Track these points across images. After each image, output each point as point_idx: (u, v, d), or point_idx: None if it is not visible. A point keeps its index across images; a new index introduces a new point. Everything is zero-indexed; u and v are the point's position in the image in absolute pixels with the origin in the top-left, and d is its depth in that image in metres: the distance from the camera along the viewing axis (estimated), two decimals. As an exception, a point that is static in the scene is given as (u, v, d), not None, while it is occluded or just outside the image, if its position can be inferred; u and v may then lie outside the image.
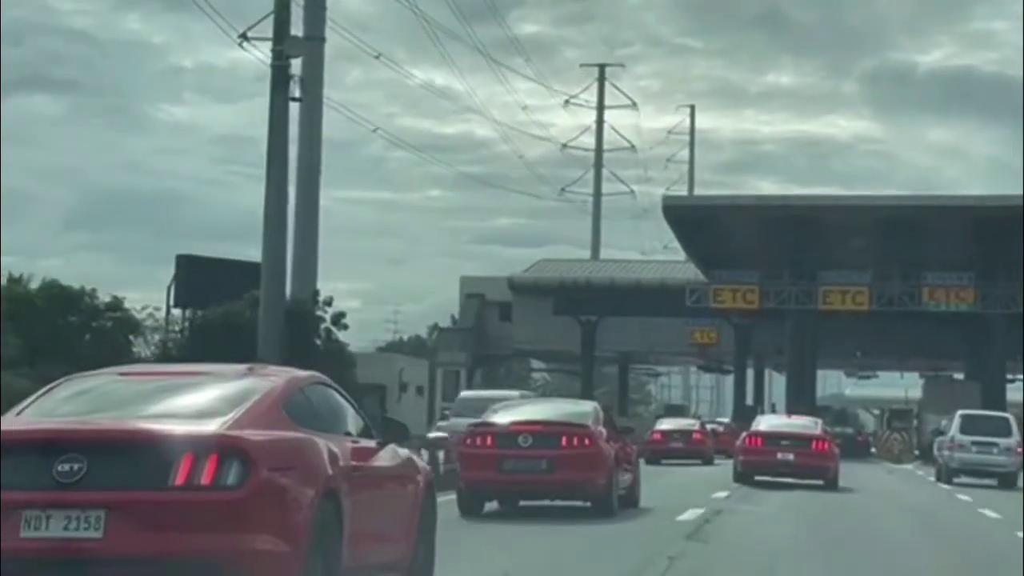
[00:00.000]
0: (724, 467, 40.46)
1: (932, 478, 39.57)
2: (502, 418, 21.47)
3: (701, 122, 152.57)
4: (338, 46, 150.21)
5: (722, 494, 26.50)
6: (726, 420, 70.67)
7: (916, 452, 61.31)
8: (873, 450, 69.79)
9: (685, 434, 49.49)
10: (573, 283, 78.42)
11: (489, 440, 20.87)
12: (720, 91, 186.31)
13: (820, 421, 35.72)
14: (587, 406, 23.18)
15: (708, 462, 47.33)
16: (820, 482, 31.04)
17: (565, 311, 77.14)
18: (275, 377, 10.03)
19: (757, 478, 31.80)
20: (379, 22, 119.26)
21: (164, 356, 42.12)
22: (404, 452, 11.35)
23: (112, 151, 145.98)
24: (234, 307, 42.41)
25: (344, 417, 10.52)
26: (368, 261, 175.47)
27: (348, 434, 10.34)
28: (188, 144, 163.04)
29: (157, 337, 48.49)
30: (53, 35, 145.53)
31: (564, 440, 20.65)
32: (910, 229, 57.71)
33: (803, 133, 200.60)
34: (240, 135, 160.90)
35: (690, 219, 59.58)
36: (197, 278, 43.96)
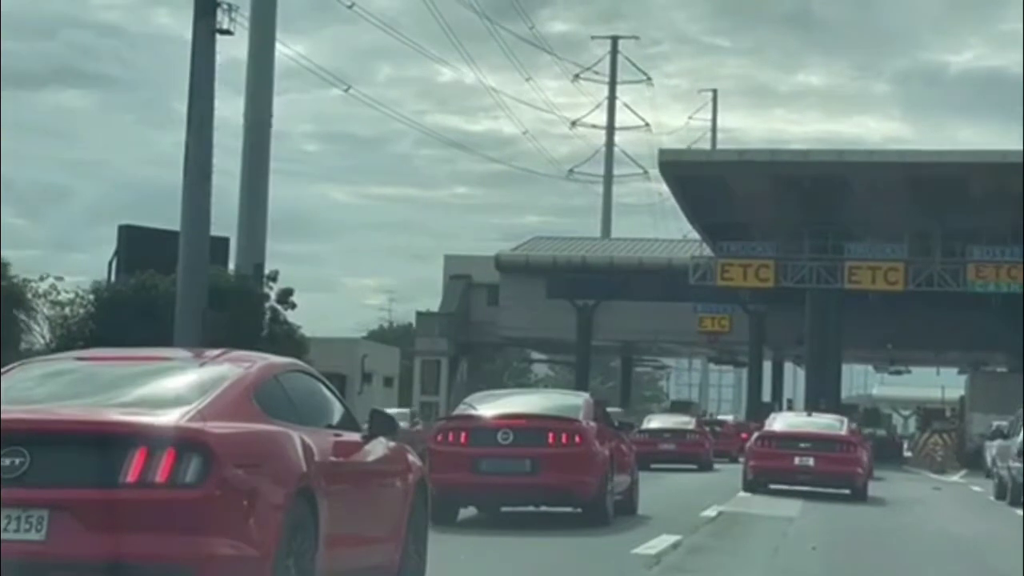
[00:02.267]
0: (724, 473, 37.08)
1: (992, 496, 31.24)
2: (478, 411, 19.45)
3: (730, 121, 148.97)
4: (370, 43, 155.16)
5: (668, 541, 16.68)
6: (727, 418, 60.88)
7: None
8: (908, 453, 62.23)
9: (678, 434, 43.00)
10: (567, 262, 72.01)
11: (463, 436, 18.82)
12: (749, 90, 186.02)
13: (846, 420, 31.45)
14: (577, 398, 20.84)
15: (705, 467, 41.59)
16: (846, 491, 27.51)
17: (559, 294, 70.69)
18: (247, 363, 9.17)
19: (772, 487, 28.08)
20: (408, 18, 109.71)
21: (65, 336, 38.76)
22: (393, 446, 10.51)
23: (143, 145, 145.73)
24: (151, 278, 38.89)
25: (325, 408, 9.82)
26: (395, 258, 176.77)
27: (330, 427, 9.62)
28: (218, 139, 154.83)
29: (66, 311, 42.81)
30: (85, 29, 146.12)
31: (550, 437, 18.60)
32: (955, 192, 50.58)
33: (833, 133, 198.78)
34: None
35: (692, 179, 49.95)
36: (141, 250, 40.48)
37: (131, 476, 7.70)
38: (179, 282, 34.77)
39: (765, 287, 56.17)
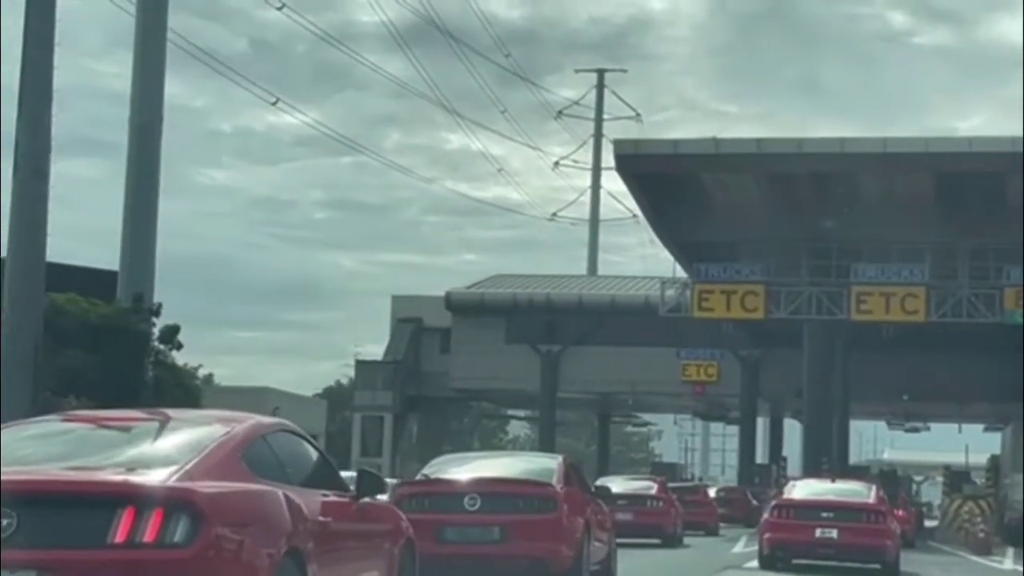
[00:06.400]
0: (695, 550, 33.63)
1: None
2: (442, 474, 18.23)
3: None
4: (380, 109, 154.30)
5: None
6: (688, 482, 51.13)
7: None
8: (929, 523, 53.52)
9: (635, 500, 35.43)
10: (529, 302, 64.18)
11: (426, 502, 17.10)
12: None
13: (874, 486, 28.32)
14: (550, 461, 19.29)
15: (671, 541, 35.24)
16: (876, 566, 25.82)
17: (520, 338, 62.57)
18: (235, 423, 9.14)
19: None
20: (419, 85, 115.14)
21: None
22: (381, 507, 10.89)
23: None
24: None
25: (313, 468, 9.78)
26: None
27: (318, 487, 9.53)
28: (228, 207, 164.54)
29: None
30: (97, 99, 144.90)
31: (521, 502, 17.12)
32: (989, 195, 40.59)
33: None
34: (279, 198, 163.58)
35: (658, 179, 38.30)
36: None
37: (119, 536, 7.61)
38: (3, 312, 30.12)
39: (753, 319, 45.83)
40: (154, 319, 39.48)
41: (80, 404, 33.36)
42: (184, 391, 40.19)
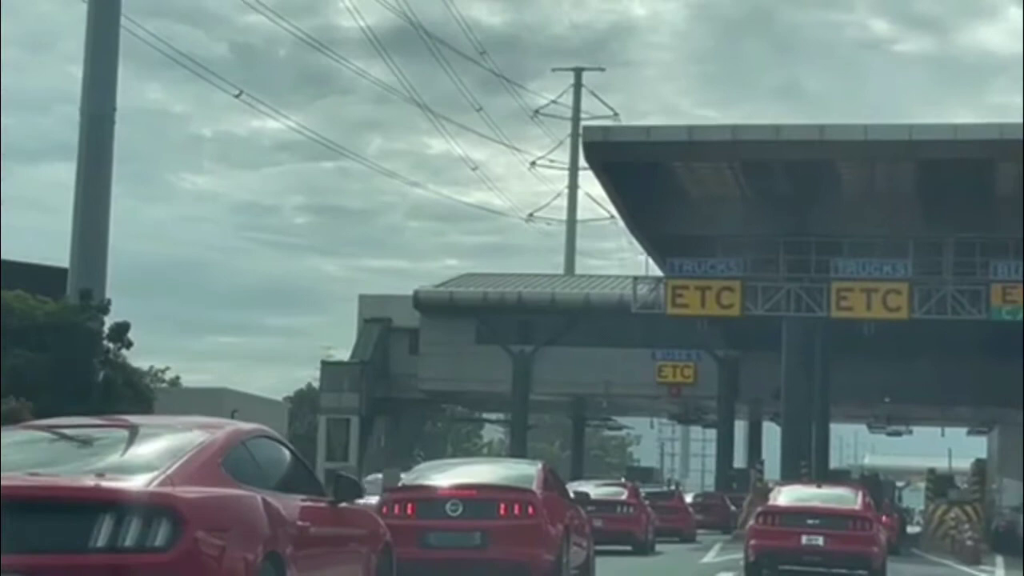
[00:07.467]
0: (666, 557, 33.01)
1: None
2: (425, 480, 18.62)
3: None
4: (362, 114, 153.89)
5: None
6: (655, 488, 49.26)
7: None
8: (912, 529, 52.09)
9: (605, 506, 33.51)
10: (500, 300, 61.46)
11: (409, 508, 17.64)
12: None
13: (862, 492, 27.65)
14: (530, 467, 19.49)
15: (642, 548, 34.28)
16: (863, 573, 25.53)
17: (491, 338, 60.49)
18: (215, 429, 9.39)
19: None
20: (402, 90, 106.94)
21: None
22: (359, 511, 10.96)
23: (134, 220, 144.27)
24: None
25: (291, 474, 9.96)
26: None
27: (296, 492, 9.73)
28: (209, 212, 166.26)
29: None
30: (76, 104, 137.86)
31: (502, 508, 17.53)
32: (981, 184, 38.59)
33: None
34: (260, 203, 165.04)
35: (629, 169, 36.17)
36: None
37: (101, 541, 7.72)
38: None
39: (729, 316, 43.32)
40: (103, 316, 37.55)
41: (22, 405, 31.29)
42: (135, 391, 38.41)
